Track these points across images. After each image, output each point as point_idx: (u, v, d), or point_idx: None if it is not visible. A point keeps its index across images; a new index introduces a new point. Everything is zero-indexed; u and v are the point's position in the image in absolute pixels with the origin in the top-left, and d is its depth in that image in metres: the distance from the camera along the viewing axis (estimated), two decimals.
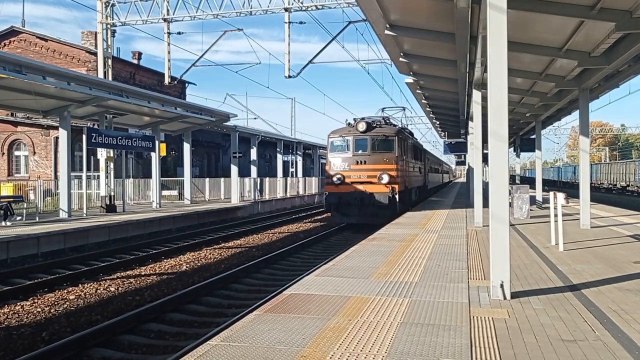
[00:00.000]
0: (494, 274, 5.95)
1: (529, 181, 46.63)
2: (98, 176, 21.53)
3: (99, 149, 19.62)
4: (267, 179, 33.06)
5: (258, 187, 30.31)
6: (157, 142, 22.19)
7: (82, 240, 14.67)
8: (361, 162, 18.09)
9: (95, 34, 29.12)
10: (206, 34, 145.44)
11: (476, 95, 13.21)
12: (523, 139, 27.70)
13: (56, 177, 25.73)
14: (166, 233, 18.37)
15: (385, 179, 17.54)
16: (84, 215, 18.55)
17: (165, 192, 27.15)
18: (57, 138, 25.77)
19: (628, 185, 41.36)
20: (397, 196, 17.53)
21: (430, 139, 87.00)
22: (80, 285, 10.34)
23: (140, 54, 40.34)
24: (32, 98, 15.42)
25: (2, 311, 8.40)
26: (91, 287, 10.07)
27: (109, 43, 25.04)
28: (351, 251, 9.50)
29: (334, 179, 18.11)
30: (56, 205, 19.49)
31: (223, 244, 16.24)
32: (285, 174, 38.44)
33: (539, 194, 20.85)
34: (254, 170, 30.59)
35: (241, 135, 28.90)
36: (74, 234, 14.37)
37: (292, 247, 14.63)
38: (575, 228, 12.77)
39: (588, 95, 13.18)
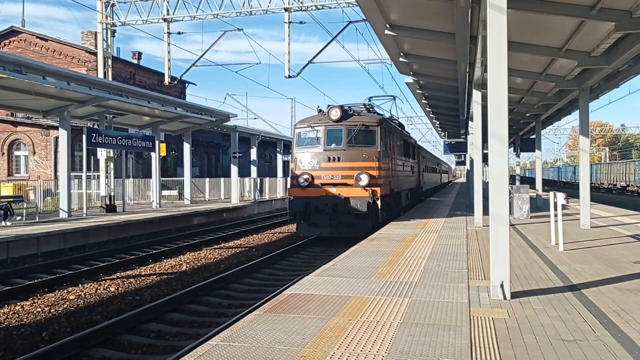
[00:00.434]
0: (494, 274, 5.95)
1: (529, 181, 46.66)
2: (98, 176, 21.54)
3: (99, 149, 19.62)
4: (267, 179, 33.07)
5: (258, 187, 30.32)
6: (157, 142, 22.19)
7: (82, 240, 14.67)
8: (334, 158, 14.52)
9: (95, 34, 29.12)
10: (206, 34, 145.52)
11: (476, 95, 13.21)
12: (523, 139, 27.68)
13: (56, 177, 25.72)
14: (166, 233, 18.37)
15: (364, 180, 14.08)
16: (84, 215, 18.54)
17: (165, 192, 27.17)
18: (57, 138, 25.78)
19: (628, 185, 41.36)
20: (378, 202, 14.17)
21: (430, 139, 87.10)
22: (80, 285, 10.34)
23: (140, 54, 40.35)
24: (32, 98, 15.42)
25: (2, 311, 8.40)
26: (91, 287, 10.07)
27: (109, 43, 25.03)
28: (351, 251, 9.50)
29: (300, 179, 14.60)
30: (56, 205, 19.49)
31: (223, 244, 16.24)
32: (286, 174, 38.39)
33: (539, 193, 20.87)
34: (254, 170, 30.59)
35: (241, 135, 28.90)
36: (73, 234, 14.37)
37: (292, 246, 14.62)
38: (575, 228, 12.77)
39: (588, 95, 13.18)
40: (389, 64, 25.74)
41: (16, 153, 31.21)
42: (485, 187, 13.20)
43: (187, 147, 25.84)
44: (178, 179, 29.60)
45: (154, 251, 14.33)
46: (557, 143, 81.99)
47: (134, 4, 24.92)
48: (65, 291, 9.79)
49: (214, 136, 42.03)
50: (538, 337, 4.58)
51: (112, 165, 20.71)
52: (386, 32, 10.55)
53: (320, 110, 15.45)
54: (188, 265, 12.48)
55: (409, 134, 24.14)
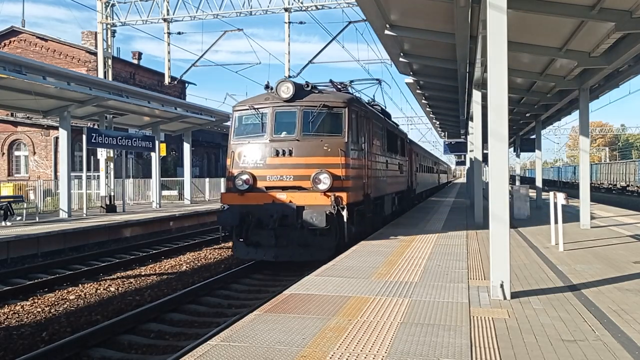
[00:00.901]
0: (494, 274, 5.95)
1: (529, 181, 46.68)
2: (98, 176, 21.55)
3: (99, 149, 19.63)
4: None
5: None
6: (157, 142, 22.19)
7: (82, 240, 14.67)
8: (284, 152, 10.56)
9: (95, 34, 29.12)
10: (206, 34, 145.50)
11: (476, 95, 13.22)
12: (523, 139, 27.70)
13: (56, 177, 25.72)
14: (166, 233, 18.37)
15: (325, 182, 10.24)
16: (84, 215, 18.55)
17: (165, 192, 27.17)
18: (57, 138, 25.78)
19: (628, 185, 41.37)
20: (344, 212, 10.15)
21: (430, 139, 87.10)
22: (80, 285, 10.34)
23: (140, 54, 40.37)
24: (32, 98, 15.43)
25: (2, 311, 8.40)
26: (91, 287, 10.07)
27: (109, 43, 25.03)
28: (351, 251, 9.50)
29: (238, 181, 10.64)
30: (56, 205, 19.50)
31: (223, 244, 16.24)
32: None
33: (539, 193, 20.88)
34: None
35: None
36: (74, 234, 14.37)
37: None
38: (575, 228, 12.76)
39: (588, 95, 13.18)
40: (389, 64, 25.79)
41: (16, 153, 31.21)
42: (486, 187, 13.19)
43: (187, 147, 25.84)
44: (178, 179, 29.61)
45: (154, 251, 14.34)
46: (557, 143, 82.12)
47: (134, 4, 24.93)
48: (65, 291, 9.79)
49: (214, 136, 42.02)
50: (538, 337, 4.58)
51: (112, 165, 20.72)
52: (386, 32, 10.56)
53: (267, 86, 11.29)
54: (188, 265, 12.48)
55: (397, 125, 20.54)
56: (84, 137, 18.41)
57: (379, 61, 27.35)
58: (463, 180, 72.98)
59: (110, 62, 24.98)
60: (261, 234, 10.43)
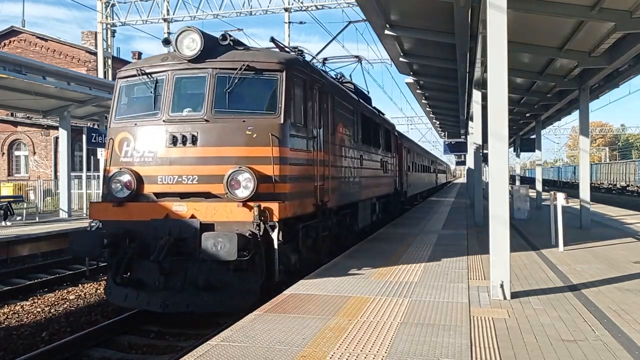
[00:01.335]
0: (494, 274, 5.95)
1: (529, 181, 46.68)
2: (98, 176, 21.51)
3: (99, 149, 19.59)
4: None
5: None
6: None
7: None
8: (185, 139, 6.84)
9: (95, 34, 29.14)
10: None
11: (476, 95, 13.21)
12: (523, 139, 27.70)
13: (56, 177, 25.71)
14: None
15: (247, 185, 6.64)
16: (84, 215, 18.54)
17: None
18: (57, 138, 25.75)
19: (628, 185, 41.38)
20: (276, 233, 6.59)
21: (430, 139, 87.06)
22: (80, 285, 10.34)
23: (140, 54, 40.32)
24: (32, 98, 15.43)
25: (2, 311, 8.40)
26: (91, 287, 10.07)
27: (109, 43, 25.07)
28: (351, 251, 9.49)
29: (115, 184, 7.06)
30: (56, 205, 19.50)
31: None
32: None
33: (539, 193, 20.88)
34: None
35: None
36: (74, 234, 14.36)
37: None
38: (575, 228, 12.76)
39: (588, 95, 13.18)
40: (389, 64, 25.80)
41: (16, 153, 31.20)
42: (486, 187, 13.19)
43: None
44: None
45: None
46: (557, 143, 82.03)
47: (134, 4, 24.96)
48: (65, 291, 9.79)
49: None
50: (538, 337, 4.58)
51: None
52: (386, 32, 10.56)
53: (168, 42, 7.32)
54: None
55: (381, 113, 15.90)
56: (84, 137, 18.41)
57: (379, 61, 27.40)
58: (463, 180, 72.97)
59: (110, 62, 25.01)
60: (146, 267, 6.78)
